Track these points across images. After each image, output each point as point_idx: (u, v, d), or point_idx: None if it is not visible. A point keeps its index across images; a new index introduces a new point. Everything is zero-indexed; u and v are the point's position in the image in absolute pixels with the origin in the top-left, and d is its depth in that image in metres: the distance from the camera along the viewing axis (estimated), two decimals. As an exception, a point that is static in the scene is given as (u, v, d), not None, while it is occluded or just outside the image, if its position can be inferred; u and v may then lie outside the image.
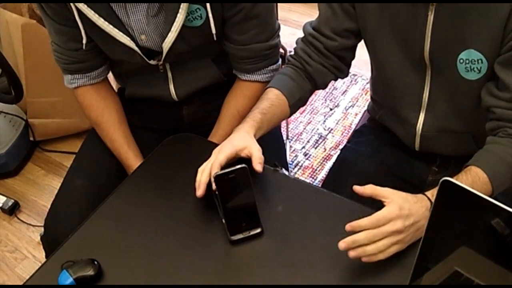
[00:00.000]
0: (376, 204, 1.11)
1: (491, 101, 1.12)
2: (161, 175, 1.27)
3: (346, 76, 1.38)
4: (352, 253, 0.97)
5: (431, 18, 1.11)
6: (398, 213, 0.98)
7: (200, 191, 1.10)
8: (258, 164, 1.10)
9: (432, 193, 1.04)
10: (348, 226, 0.98)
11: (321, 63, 1.31)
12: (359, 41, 1.32)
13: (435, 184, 0.83)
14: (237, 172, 1.05)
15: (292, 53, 1.36)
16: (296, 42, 1.36)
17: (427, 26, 1.12)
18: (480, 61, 1.10)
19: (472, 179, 1.05)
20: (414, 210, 1.00)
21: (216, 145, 1.33)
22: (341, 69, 1.35)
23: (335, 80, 1.37)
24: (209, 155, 1.23)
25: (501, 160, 1.08)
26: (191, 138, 1.36)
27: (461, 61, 1.12)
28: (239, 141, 1.14)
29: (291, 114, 1.33)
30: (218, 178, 1.05)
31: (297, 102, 1.32)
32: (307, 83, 1.33)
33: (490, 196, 0.93)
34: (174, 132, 1.38)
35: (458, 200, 0.82)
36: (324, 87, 1.37)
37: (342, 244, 0.97)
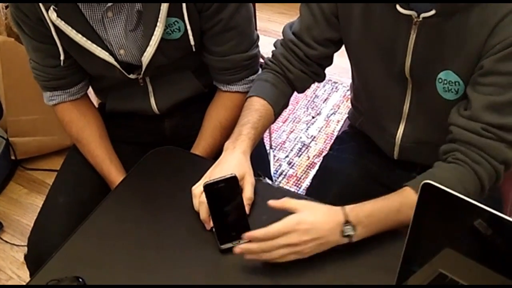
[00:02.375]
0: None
1: (453, 117, 1.10)
2: (144, 189, 1.26)
3: (323, 80, 1.39)
4: (247, 256, 1.01)
5: (413, 36, 1.10)
6: (295, 227, 0.98)
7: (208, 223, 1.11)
8: (246, 205, 1.11)
9: (353, 208, 1.02)
10: (246, 236, 1.00)
11: (301, 70, 1.30)
12: (339, 48, 1.32)
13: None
14: (227, 181, 1.05)
15: (270, 56, 1.35)
16: (275, 46, 1.35)
17: (409, 44, 1.12)
18: (457, 83, 1.10)
19: (401, 200, 1.04)
20: (318, 225, 0.99)
21: (199, 157, 1.35)
22: (320, 74, 1.36)
23: (313, 83, 1.38)
24: (192, 168, 1.23)
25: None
26: (174, 151, 1.35)
27: (440, 80, 1.12)
28: (236, 169, 1.12)
29: (274, 122, 1.34)
30: (207, 187, 1.05)
31: (281, 109, 1.32)
32: (288, 89, 1.33)
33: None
34: (157, 146, 1.36)
35: (440, 202, 0.82)
36: (302, 91, 1.37)
37: (237, 249, 1.01)
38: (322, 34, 1.26)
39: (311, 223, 0.99)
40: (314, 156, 2.51)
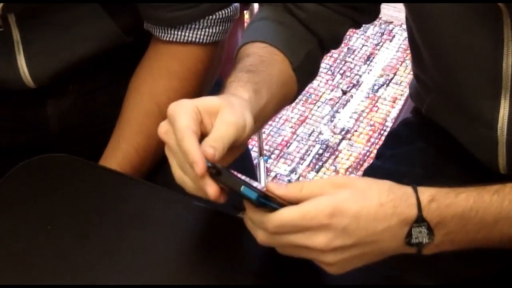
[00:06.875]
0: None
1: None
2: (9, 222, 0.93)
3: (374, 19, 1.05)
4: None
5: None
6: (328, 218, 0.69)
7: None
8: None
9: (434, 196, 0.73)
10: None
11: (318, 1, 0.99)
12: None
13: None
14: None
15: None
16: None
17: None
18: None
19: (502, 204, 0.79)
20: (368, 221, 0.71)
21: (114, 174, 1.01)
22: (369, 13, 1.02)
23: (355, 28, 1.04)
24: (100, 192, 0.94)
25: None
26: (65, 161, 0.97)
27: None
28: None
29: (299, 90, 0.98)
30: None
31: (303, 63, 0.97)
32: (307, 33, 0.99)
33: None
34: (34, 150, 0.99)
35: None
36: (335, 45, 1.02)
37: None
38: None
39: (355, 214, 0.71)
40: (346, 169, 1.82)
